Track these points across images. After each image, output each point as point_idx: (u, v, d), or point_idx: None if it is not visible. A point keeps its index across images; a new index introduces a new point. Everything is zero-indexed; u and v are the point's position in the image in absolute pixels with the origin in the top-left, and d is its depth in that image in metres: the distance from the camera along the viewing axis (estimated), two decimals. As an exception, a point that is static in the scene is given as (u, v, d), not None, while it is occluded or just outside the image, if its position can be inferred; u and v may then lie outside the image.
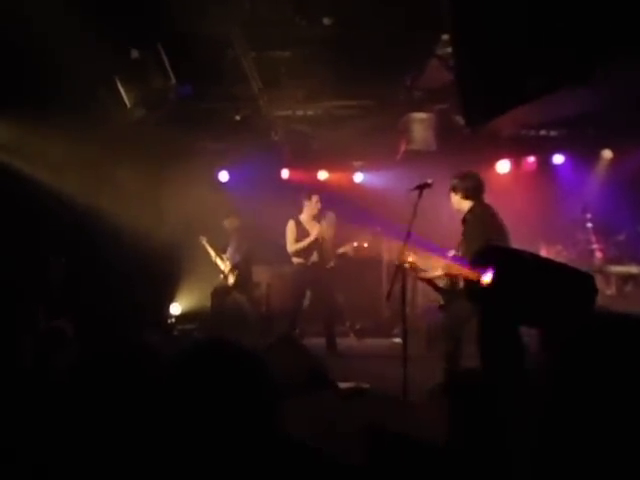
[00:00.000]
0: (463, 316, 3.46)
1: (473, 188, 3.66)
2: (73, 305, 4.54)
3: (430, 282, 3.89)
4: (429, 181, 3.64)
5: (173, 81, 3.97)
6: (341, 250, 5.85)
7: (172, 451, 0.72)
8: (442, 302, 3.81)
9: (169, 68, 3.91)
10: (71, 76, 3.96)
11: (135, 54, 3.86)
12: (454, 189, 3.72)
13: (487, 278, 1.35)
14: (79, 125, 4.40)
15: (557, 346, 0.59)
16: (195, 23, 4.17)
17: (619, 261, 5.30)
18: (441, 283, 3.83)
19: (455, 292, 3.56)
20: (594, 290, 1.08)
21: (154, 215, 6.19)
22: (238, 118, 6.45)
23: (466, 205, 3.67)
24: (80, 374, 1.05)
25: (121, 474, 0.74)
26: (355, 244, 5.81)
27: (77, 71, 3.91)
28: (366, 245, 5.85)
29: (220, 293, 6.20)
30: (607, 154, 6.45)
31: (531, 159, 7.01)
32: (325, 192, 6.49)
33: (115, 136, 4.96)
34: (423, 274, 3.84)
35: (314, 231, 5.47)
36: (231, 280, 6.23)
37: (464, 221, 3.68)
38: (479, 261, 1.30)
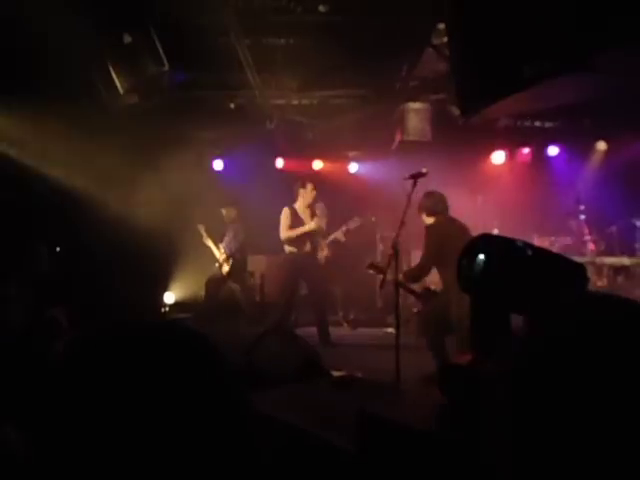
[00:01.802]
0: (438, 311, 3.76)
1: (432, 206, 3.95)
2: (66, 295, 4.52)
3: (409, 291, 4.15)
4: (424, 170, 3.64)
5: (166, 67, 3.92)
6: (331, 237, 5.84)
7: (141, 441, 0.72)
8: (421, 306, 4.09)
9: (162, 54, 3.86)
10: (62, 60, 3.90)
11: (128, 39, 3.80)
12: (419, 208, 4.02)
13: (478, 266, 1.36)
14: (70, 111, 4.34)
15: (542, 331, 0.58)
16: (189, 9, 4.12)
17: (611, 252, 5.34)
18: (417, 289, 4.11)
19: (429, 293, 4.02)
20: (585, 279, 1.09)
21: (148, 203, 6.16)
22: (232, 106, 6.40)
23: (429, 221, 3.99)
24: (73, 363, 1.04)
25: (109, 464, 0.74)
26: (344, 228, 5.81)
27: (68, 55, 3.85)
28: (357, 225, 5.85)
29: (215, 282, 6.20)
30: (601, 146, 6.47)
31: (526, 150, 7.02)
32: (320, 182, 6.49)
33: (107, 122, 4.90)
34: (406, 286, 4.07)
35: (309, 221, 5.45)
36: (226, 269, 6.23)
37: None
38: (471, 250, 1.30)
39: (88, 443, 0.68)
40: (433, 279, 4.36)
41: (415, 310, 5.97)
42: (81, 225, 5.44)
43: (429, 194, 4.02)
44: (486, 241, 1.43)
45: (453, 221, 3.97)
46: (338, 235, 5.77)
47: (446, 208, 3.99)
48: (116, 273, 5.75)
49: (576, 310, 0.56)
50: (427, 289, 4.15)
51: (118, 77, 4.01)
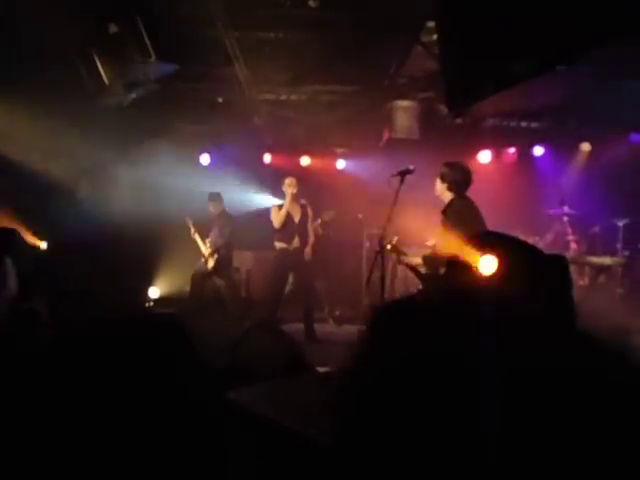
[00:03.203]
0: None
1: (461, 181, 3.63)
2: (47, 287, 4.43)
3: (411, 267, 3.89)
4: (411, 167, 3.65)
5: (153, 58, 3.86)
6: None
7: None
8: (421, 288, 3.83)
9: (149, 45, 3.80)
10: (46, 49, 3.82)
11: (114, 29, 3.74)
12: (442, 177, 3.66)
13: (488, 266, 1.34)
14: (54, 101, 4.26)
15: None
16: (177, 0, 4.06)
17: (593, 252, 5.42)
18: (422, 269, 3.84)
19: (436, 278, 3.55)
20: (568, 272, 1.10)
21: (132, 196, 6.08)
22: (220, 100, 6.35)
23: (448, 196, 3.63)
24: (52, 356, 1.02)
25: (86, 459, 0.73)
26: (318, 220, 5.79)
27: (52, 45, 3.77)
28: (331, 217, 5.83)
29: (200, 277, 6.16)
30: (585, 147, 6.56)
31: (512, 150, 7.08)
32: (307, 178, 6.47)
33: (92, 113, 4.82)
34: (405, 258, 3.83)
35: (297, 215, 5.46)
36: (210, 264, 6.19)
37: (444, 212, 3.66)
38: (478, 248, 1.30)
39: (66, 435, 0.67)
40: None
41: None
42: (62, 217, 5.35)
43: (456, 165, 3.65)
44: (495, 240, 1.42)
45: (474, 205, 3.62)
46: (315, 228, 5.75)
47: (468, 187, 3.64)
48: (99, 267, 5.67)
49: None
50: (435, 270, 3.61)
51: (103, 67, 3.95)
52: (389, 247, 3.57)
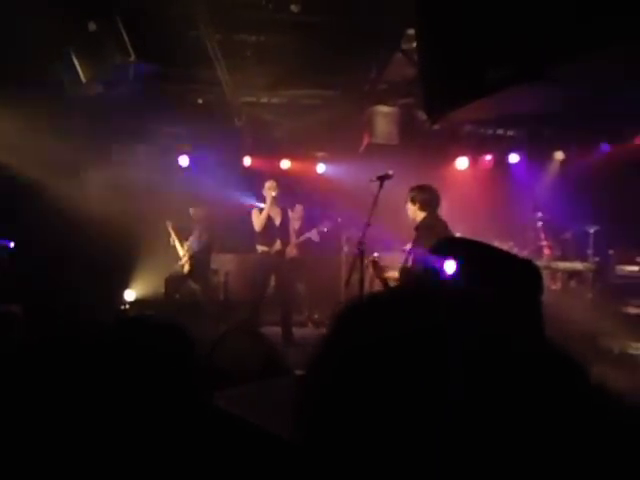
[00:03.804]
0: None
1: (430, 201, 3.84)
2: (23, 290, 4.34)
3: (385, 284, 4.05)
4: (390, 172, 3.70)
5: (133, 58, 3.82)
6: (304, 237, 5.86)
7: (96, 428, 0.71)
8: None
9: (129, 44, 3.76)
10: (23, 47, 3.75)
11: (92, 27, 3.68)
12: (412, 200, 3.88)
13: (449, 269, 1.39)
14: (30, 98, 4.17)
15: None
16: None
17: (565, 258, 5.57)
18: (394, 285, 3.98)
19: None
20: (540, 277, 1.14)
21: (110, 198, 5.99)
22: (201, 102, 6.32)
23: (421, 215, 3.85)
24: (26, 358, 1.01)
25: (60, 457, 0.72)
26: (317, 229, 5.83)
27: (29, 41, 3.70)
28: (328, 228, 5.88)
29: (174, 280, 6.11)
30: (559, 156, 6.74)
31: (488, 157, 7.23)
32: (288, 181, 6.48)
33: (68, 112, 4.74)
34: (381, 274, 3.96)
35: (277, 219, 5.48)
36: (186, 268, 6.14)
37: (417, 229, 3.85)
38: (439, 253, 1.33)
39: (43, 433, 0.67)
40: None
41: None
42: (34, 218, 5.24)
43: (424, 187, 3.89)
44: (455, 244, 1.46)
45: (444, 222, 3.84)
46: (313, 235, 5.79)
47: (439, 205, 3.86)
48: (74, 269, 5.56)
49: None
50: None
51: (81, 65, 3.88)
52: (370, 263, 3.69)
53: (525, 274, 1.11)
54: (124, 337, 0.78)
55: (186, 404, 0.74)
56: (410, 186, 3.91)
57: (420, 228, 3.80)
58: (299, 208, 5.69)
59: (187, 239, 6.25)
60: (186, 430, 0.73)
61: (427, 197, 3.84)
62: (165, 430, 0.69)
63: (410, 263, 3.65)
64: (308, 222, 5.97)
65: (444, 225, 3.80)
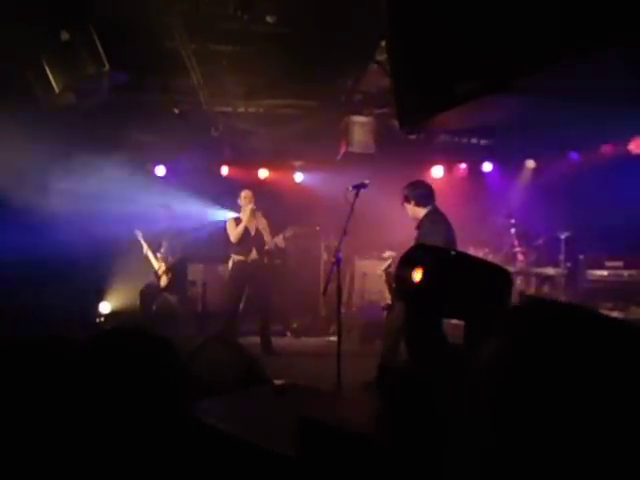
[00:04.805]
0: (403, 316, 3.56)
1: (425, 195, 3.81)
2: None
3: (388, 282, 4.03)
4: (366, 181, 3.74)
5: (107, 68, 3.77)
6: (271, 244, 5.68)
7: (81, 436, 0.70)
8: (389, 302, 3.96)
9: (102, 54, 3.72)
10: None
11: (65, 36, 3.63)
12: (407, 198, 3.84)
13: (417, 276, 1.42)
14: (1, 109, 4.08)
15: (483, 336, 0.58)
16: (133, 9, 4.01)
17: (538, 263, 5.71)
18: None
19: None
20: (510, 283, 1.18)
21: (83, 208, 5.88)
22: (177, 111, 6.28)
23: (421, 212, 3.80)
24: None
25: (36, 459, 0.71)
26: (281, 236, 5.68)
27: (1, 49, 3.62)
28: (291, 234, 5.76)
29: (150, 292, 5.98)
30: (530, 164, 6.92)
31: (463, 166, 7.37)
32: (265, 191, 6.47)
33: (40, 122, 4.65)
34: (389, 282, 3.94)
35: (253, 225, 5.44)
36: (164, 282, 6.02)
37: (419, 227, 3.79)
38: (408, 261, 1.36)
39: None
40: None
41: (363, 321, 6.08)
42: (7, 230, 5.10)
43: (416, 183, 3.85)
44: (423, 251, 1.50)
45: (444, 214, 3.80)
46: (278, 241, 5.69)
47: (434, 198, 3.81)
48: (47, 282, 5.43)
49: (523, 313, 0.55)
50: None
51: (54, 75, 3.82)
52: (384, 273, 3.67)
53: (496, 279, 1.14)
54: (114, 346, 0.78)
55: (170, 414, 0.74)
56: (402, 186, 3.89)
57: (424, 225, 3.74)
58: (260, 215, 5.61)
59: (159, 249, 6.13)
60: (169, 439, 0.73)
61: (421, 192, 3.81)
62: (149, 437, 0.69)
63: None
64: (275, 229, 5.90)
65: (445, 218, 3.75)
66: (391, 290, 3.97)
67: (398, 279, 1.56)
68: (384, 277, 4.21)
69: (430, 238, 3.50)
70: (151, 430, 0.70)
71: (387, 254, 5.02)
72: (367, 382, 3.25)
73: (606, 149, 6.18)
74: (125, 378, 0.73)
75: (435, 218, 3.74)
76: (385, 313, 4.30)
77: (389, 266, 3.99)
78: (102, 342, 0.78)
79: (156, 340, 0.81)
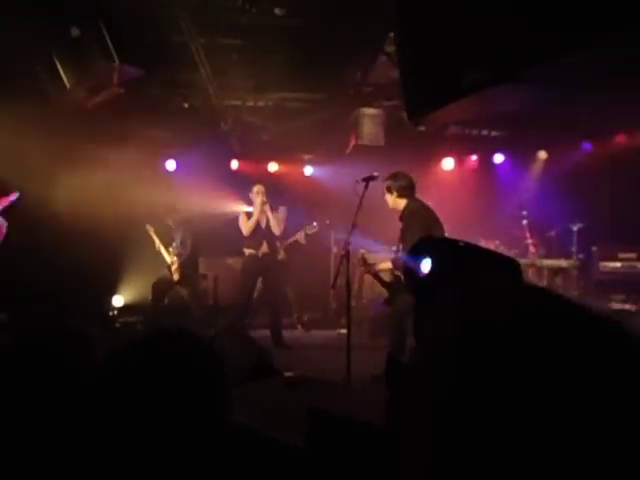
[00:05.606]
0: (406, 309, 3.57)
1: (406, 186, 3.84)
2: (8, 296, 4.29)
3: (377, 277, 4.03)
4: (375, 174, 3.73)
5: (117, 62, 3.80)
6: (291, 240, 5.85)
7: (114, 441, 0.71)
8: (387, 296, 3.95)
9: (112, 48, 3.74)
10: (4, 50, 3.71)
11: (75, 32, 3.66)
12: (389, 189, 3.87)
13: (425, 268, 1.42)
14: (12, 103, 4.13)
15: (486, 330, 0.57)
16: (142, 3, 4.03)
17: (550, 255, 5.66)
18: (387, 278, 3.97)
19: (399, 286, 3.70)
20: (520, 274, 1.17)
21: (96, 203, 5.94)
22: (186, 106, 6.30)
23: (402, 203, 3.84)
24: (7, 362, 1.02)
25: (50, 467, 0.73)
26: (302, 233, 5.79)
27: (11, 46, 3.66)
28: (315, 231, 5.86)
29: (162, 286, 6.03)
30: (542, 155, 6.84)
31: (474, 157, 7.31)
32: (275, 184, 6.48)
33: (52, 117, 4.69)
34: (373, 268, 3.95)
35: (264, 219, 5.47)
36: (176, 277, 6.07)
37: (402, 218, 3.82)
38: (416, 252, 1.36)
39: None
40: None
41: (372, 313, 6.08)
42: (21, 225, 5.18)
43: (397, 174, 3.87)
44: (431, 244, 1.50)
45: (426, 204, 3.84)
46: (299, 237, 5.77)
47: (415, 190, 3.86)
48: (60, 275, 5.51)
49: (510, 296, 0.52)
50: (397, 277, 3.79)
51: (64, 70, 3.85)
52: (359, 260, 3.70)
53: (505, 270, 1.14)
54: (163, 348, 0.79)
55: (214, 421, 0.76)
56: (383, 177, 3.91)
57: (405, 216, 3.80)
58: (282, 209, 5.67)
59: (171, 244, 6.17)
60: (212, 446, 0.74)
61: (402, 183, 3.85)
62: (192, 446, 0.71)
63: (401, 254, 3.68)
64: (295, 224, 5.96)
65: (426, 208, 3.80)
66: (383, 284, 3.99)
67: (407, 270, 1.56)
68: (364, 271, 4.20)
69: (410, 229, 3.57)
70: (193, 437, 0.72)
71: (394, 249, 4.98)
72: (376, 375, 3.26)
73: (619, 139, 6.09)
74: (178, 382, 0.74)
75: (414, 209, 3.77)
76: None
77: (364, 261, 3.98)
78: (154, 344, 0.79)
79: (202, 343, 0.83)
